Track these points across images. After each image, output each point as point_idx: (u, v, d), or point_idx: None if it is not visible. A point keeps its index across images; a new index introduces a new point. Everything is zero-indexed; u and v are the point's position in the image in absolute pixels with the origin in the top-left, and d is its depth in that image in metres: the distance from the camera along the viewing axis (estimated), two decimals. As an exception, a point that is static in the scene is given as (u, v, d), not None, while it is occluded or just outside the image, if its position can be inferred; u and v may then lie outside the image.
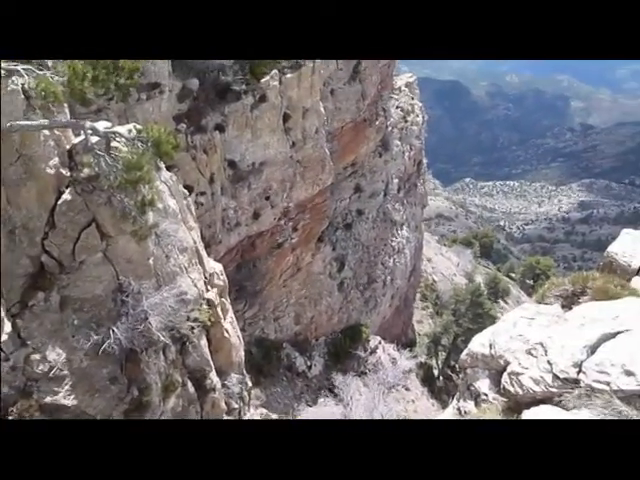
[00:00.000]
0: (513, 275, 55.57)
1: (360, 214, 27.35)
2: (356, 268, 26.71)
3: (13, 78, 6.75)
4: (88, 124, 6.93)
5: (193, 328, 9.28)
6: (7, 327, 7.26)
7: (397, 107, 31.57)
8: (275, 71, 18.03)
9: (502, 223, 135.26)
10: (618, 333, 4.39)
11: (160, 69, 14.80)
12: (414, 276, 35.02)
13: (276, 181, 19.63)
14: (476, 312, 32.91)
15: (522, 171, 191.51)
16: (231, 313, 11.27)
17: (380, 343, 26.74)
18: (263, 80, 17.63)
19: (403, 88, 33.27)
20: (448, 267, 45.37)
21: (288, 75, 18.49)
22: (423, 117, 34.59)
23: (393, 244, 29.96)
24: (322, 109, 20.78)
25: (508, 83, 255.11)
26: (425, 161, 37.07)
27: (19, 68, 6.00)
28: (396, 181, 30.53)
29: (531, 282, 50.98)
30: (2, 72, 6.68)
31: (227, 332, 10.56)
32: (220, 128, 16.74)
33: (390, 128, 29.22)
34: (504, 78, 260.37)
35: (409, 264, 32.46)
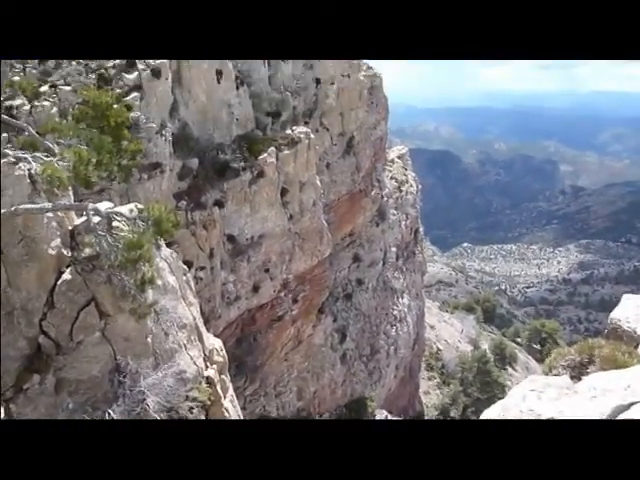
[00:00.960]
0: (519, 340, 54.47)
1: (360, 284, 27.30)
2: (358, 339, 26.24)
3: (20, 164, 7.01)
4: (91, 206, 7.10)
5: (192, 408, 8.94)
6: (0, 413, 7.01)
7: (391, 178, 32.52)
8: (272, 148, 18.77)
9: (503, 287, 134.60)
10: (632, 404, 4.22)
11: (162, 150, 15.39)
12: (418, 345, 34.32)
13: (275, 253, 19.79)
14: (484, 380, 31.96)
15: (518, 234, 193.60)
16: (231, 391, 10.92)
17: (387, 417, 25.69)
18: (261, 157, 18.31)
19: (396, 160, 34.46)
20: (452, 334, 44.56)
21: (285, 151, 19.22)
22: (417, 186, 35.52)
23: (395, 313, 29.65)
24: (318, 182, 21.40)
25: (496, 150, 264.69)
26: (422, 228, 37.58)
27: (27, 156, 6.23)
28: (394, 249, 30.80)
29: (538, 346, 49.86)
30: (10, 159, 6.95)
31: (227, 411, 10.17)
32: (219, 204, 17.15)
33: (385, 198, 29.92)
34: (492, 145, 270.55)
35: (412, 333, 31.92)
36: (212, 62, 17.42)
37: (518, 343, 52.44)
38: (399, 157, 35.01)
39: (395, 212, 31.43)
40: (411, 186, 34.40)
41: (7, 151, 6.40)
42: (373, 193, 28.10)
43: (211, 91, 17.73)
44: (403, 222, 32.52)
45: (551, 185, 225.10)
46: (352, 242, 27.17)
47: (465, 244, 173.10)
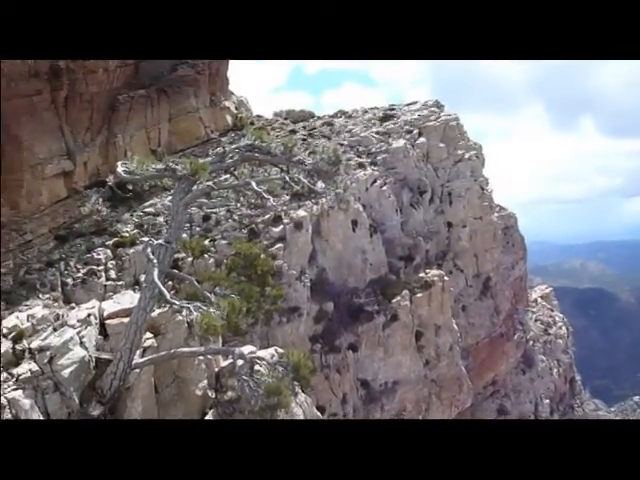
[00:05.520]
0: None
1: (508, 441, 24.05)
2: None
3: (184, 312, 7.89)
4: (237, 350, 7.56)
5: None
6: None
7: (536, 320, 30.08)
8: (406, 291, 18.84)
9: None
10: None
11: (300, 294, 16.35)
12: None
13: (410, 402, 18.69)
14: None
15: None
16: None
17: None
18: (394, 300, 18.41)
19: (540, 300, 32.16)
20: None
21: (418, 294, 19.13)
22: (567, 329, 32.18)
23: (554, 481, 25.06)
24: (455, 325, 20.58)
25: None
26: (578, 378, 33.03)
27: (190, 305, 7.01)
28: (547, 402, 27.20)
29: None
30: (175, 307, 7.85)
31: None
32: (353, 347, 17.18)
33: (531, 342, 27.45)
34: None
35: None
36: (349, 213, 18.89)
37: None
38: (543, 297, 32.65)
39: (544, 358, 28.38)
40: (560, 329, 31.26)
41: (174, 300, 7.31)
42: (516, 337, 26.04)
43: (347, 239, 18.95)
44: (555, 370, 29.02)
45: None
46: (496, 391, 24.73)
47: (636, 397, 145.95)
